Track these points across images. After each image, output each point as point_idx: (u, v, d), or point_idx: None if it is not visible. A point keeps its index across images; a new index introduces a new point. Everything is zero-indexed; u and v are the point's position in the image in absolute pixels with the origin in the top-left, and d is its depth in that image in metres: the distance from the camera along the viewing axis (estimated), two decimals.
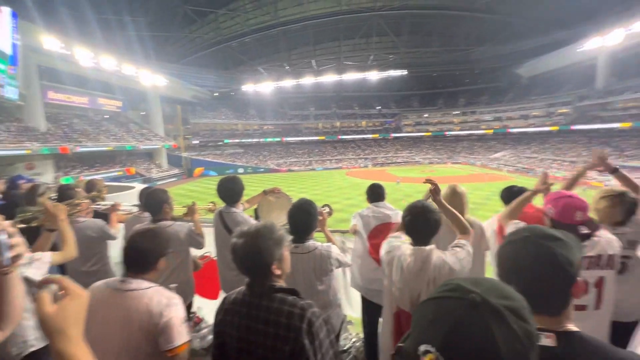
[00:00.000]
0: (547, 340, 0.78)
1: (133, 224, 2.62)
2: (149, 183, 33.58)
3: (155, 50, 38.92)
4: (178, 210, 2.84)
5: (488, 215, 2.52)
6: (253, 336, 1.24)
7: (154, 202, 2.39)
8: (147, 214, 2.67)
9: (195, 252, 2.89)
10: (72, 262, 2.07)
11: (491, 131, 57.21)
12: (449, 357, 0.51)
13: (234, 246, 1.28)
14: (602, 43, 37.26)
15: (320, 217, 2.32)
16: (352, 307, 3.29)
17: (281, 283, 1.32)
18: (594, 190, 2.45)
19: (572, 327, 0.83)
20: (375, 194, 2.98)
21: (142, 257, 1.47)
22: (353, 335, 3.18)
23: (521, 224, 1.99)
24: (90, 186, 3.24)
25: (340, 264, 2.16)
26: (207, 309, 3.27)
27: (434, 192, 2.03)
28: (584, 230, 1.61)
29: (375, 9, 40.64)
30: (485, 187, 26.34)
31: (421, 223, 1.75)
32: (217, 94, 59.20)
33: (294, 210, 2.06)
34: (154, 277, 1.50)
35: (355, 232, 2.95)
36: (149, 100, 43.22)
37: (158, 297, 1.39)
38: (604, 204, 2.04)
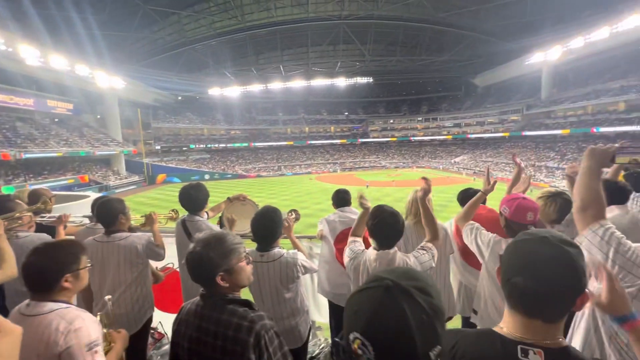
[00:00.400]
0: (535, 357, 0.75)
1: (86, 236, 2.43)
2: (106, 191, 31.42)
3: (112, 51, 36.68)
4: (137, 220, 2.69)
5: (450, 217, 2.66)
6: (202, 349, 1.22)
7: (107, 212, 2.23)
8: (100, 226, 2.51)
9: (157, 264, 2.75)
10: (13, 281, 1.88)
11: (451, 137, 60.64)
12: (372, 338, 0.59)
13: (187, 254, 1.26)
14: (545, 57, 41.11)
15: (286, 224, 2.31)
16: (320, 313, 3.30)
17: (237, 294, 1.29)
18: (538, 190, 2.68)
19: (562, 341, 0.80)
20: (341, 199, 3.02)
21: (39, 276, 1.29)
22: (322, 341, 3.19)
23: (476, 225, 2.13)
24: (33, 196, 2.96)
25: (307, 270, 2.16)
26: (170, 323, 3.11)
27: (425, 192, 2.01)
28: None
29: (342, 17, 41.56)
30: (447, 189, 27.66)
31: (387, 227, 1.78)
32: (181, 98, 57.00)
33: (258, 218, 2.04)
34: (65, 296, 1.33)
35: (322, 237, 2.97)
36: (106, 103, 40.60)
37: (57, 322, 1.21)
38: (541, 203, 2.24)
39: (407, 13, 41.48)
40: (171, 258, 2.79)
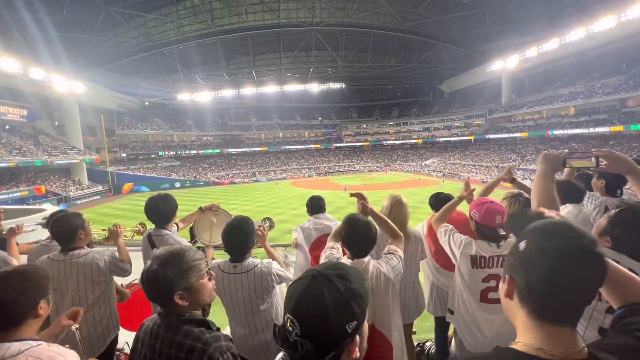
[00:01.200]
0: None
1: (40, 254, 2.24)
2: (66, 203, 29.39)
3: (72, 53, 34.56)
4: (99, 234, 2.53)
5: (422, 218, 2.72)
6: None
7: (63, 229, 2.04)
8: (56, 243, 2.33)
9: (122, 280, 2.58)
10: None
11: (421, 140, 62.89)
12: (298, 316, 0.73)
13: (142, 273, 1.21)
14: (504, 65, 43.92)
15: (259, 233, 2.27)
16: None
17: (196, 312, 1.24)
18: (502, 191, 2.84)
19: (584, 347, 0.73)
20: (315, 205, 3.01)
21: (2, 312, 1.11)
22: None
23: (450, 227, 2.22)
24: None
25: (282, 279, 2.12)
26: None
27: (363, 204, 2.15)
28: (502, 232, 1.85)
29: (313, 24, 42.01)
30: (419, 192, 28.57)
31: (359, 236, 1.77)
32: (148, 103, 54.72)
33: (229, 229, 1.98)
34: (29, 331, 1.16)
35: (296, 245, 2.94)
36: (65, 109, 38.12)
37: None
38: (506, 204, 2.39)
39: (377, 21, 42.75)
40: (139, 274, 2.65)
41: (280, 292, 2.92)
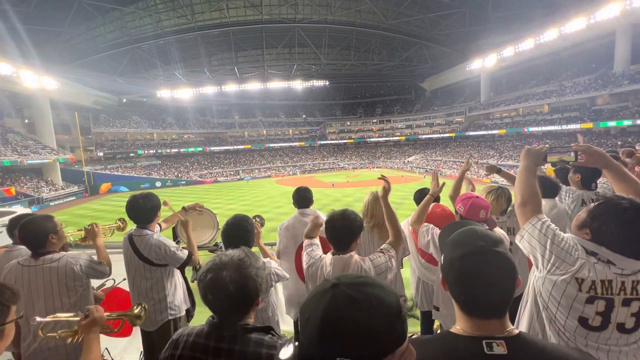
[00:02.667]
0: (499, 349, 0.81)
1: (5, 260, 2.09)
2: (38, 205, 28.09)
3: (42, 48, 32.79)
4: (75, 234, 2.40)
5: (406, 214, 2.74)
6: None
7: (33, 234, 1.91)
8: (21, 247, 2.19)
9: (93, 283, 2.45)
10: None
11: (404, 137, 63.88)
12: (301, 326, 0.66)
13: (213, 282, 1.05)
14: (482, 64, 45.14)
15: (256, 231, 2.21)
16: (284, 321, 3.23)
17: (252, 320, 1.15)
18: (481, 185, 2.91)
19: (513, 329, 0.88)
20: (302, 198, 2.85)
21: None
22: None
23: (430, 226, 2.24)
24: None
25: (279, 278, 2.08)
26: (118, 348, 2.83)
27: (385, 191, 2.06)
28: (486, 227, 1.88)
29: (296, 20, 41.70)
30: (402, 188, 29.02)
31: (336, 230, 1.74)
32: (126, 100, 52.82)
33: (231, 228, 1.91)
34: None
35: (279, 255, 2.81)
36: (35, 106, 36.21)
37: None
38: (491, 197, 2.45)
39: (359, 19, 42.91)
40: (119, 278, 2.54)
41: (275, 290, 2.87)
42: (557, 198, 2.60)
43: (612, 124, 31.17)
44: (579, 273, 1.21)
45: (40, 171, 35.52)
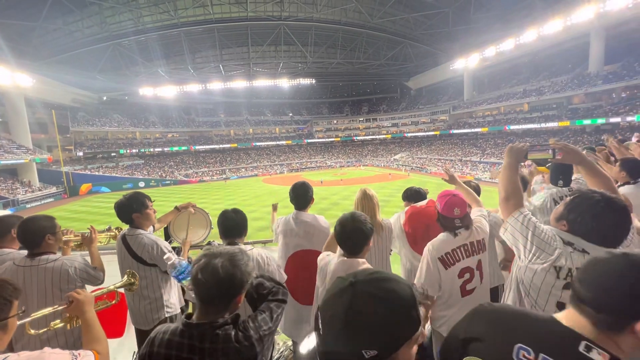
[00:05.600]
0: (598, 357, 0.75)
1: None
2: (13, 207, 26.96)
3: (15, 42, 31.39)
4: (73, 238, 2.35)
5: (393, 211, 2.80)
6: None
7: (31, 233, 1.90)
8: (8, 250, 2.14)
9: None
10: None
11: (390, 136, 64.65)
12: (323, 323, 0.70)
13: (207, 264, 1.11)
14: (465, 64, 46.16)
15: None
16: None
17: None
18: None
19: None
20: (296, 196, 2.59)
21: None
22: (281, 345, 3.16)
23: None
24: None
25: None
26: (110, 349, 2.80)
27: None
28: (458, 223, 1.99)
29: (282, 18, 41.45)
30: (389, 185, 29.45)
31: (348, 231, 1.72)
32: (106, 98, 51.15)
33: (229, 217, 2.05)
34: None
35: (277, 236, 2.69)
36: (9, 104, 34.64)
37: None
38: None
39: (345, 17, 43.08)
40: (112, 278, 2.51)
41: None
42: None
43: (587, 122, 32.56)
44: (557, 262, 1.32)
45: (15, 172, 34.07)
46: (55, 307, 1.49)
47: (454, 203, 2.00)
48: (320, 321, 0.71)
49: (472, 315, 0.95)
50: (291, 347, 2.93)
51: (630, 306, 0.78)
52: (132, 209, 2.28)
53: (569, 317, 0.86)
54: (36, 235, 1.89)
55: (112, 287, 1.79)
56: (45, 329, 1.52)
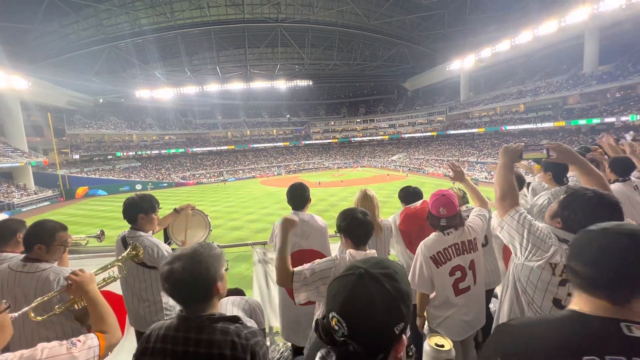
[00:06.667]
0: (639, 332, 0.77)
1: None
2: (9, 211, 26.75)
3: (11, 45, 31.22)
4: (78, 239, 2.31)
5: (392, 212, 2.82)
6: None
7: (25, 236, 1.87)
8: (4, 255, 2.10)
9: None
10: None
11: (387, 137, 64.83)
12: (346, 316, 0.71)
13: (169, 273, 1.12)
14: (462, 65, 46.44)
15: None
16: (277, 317, 3.27)
17: (217, 310, 1.21)
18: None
19: None
20: (293, 197, 2.57)
21: None
22: (281, 346, 3.17)
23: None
24: None
25: None
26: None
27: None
28: (443, 222, 2.02)
29: (279, 20, 41.53)
30: (387, 186, 29.50)
31: (358, 221, 1.73)
32: (102, 101, 50.94)
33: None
34: None
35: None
36: (4, 107, 34.36)
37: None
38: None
39: (342, 19, 43.22)
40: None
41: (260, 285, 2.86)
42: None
43: (582, 122, 32.82)
44: (553, 259, 1.35)
45: (10, 175, 33.80)
46: (56, 291, 1.49)
47: (441, 203, 2.04)
48: (344, 319, 0.72)
49: (500, 334, 0.93)
50: (291, 348, 2.94)
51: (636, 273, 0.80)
52: (141, 209, 2.28)
53: (586, 305, 0.85)
54: (26, 241, 1.85)
55: (115, 261, 1.78)
56: (51, 313, 1.51)
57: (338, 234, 1.83)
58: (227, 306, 1.77)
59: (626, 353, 0.75)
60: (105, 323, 1.33)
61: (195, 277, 1.12)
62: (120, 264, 1.79)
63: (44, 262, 1.87)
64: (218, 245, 2.61)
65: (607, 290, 0.82)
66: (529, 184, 3.16)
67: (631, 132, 4.80)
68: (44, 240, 1.87)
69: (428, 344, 1.53)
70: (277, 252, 1.74)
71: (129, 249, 1.83)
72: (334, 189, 32.28)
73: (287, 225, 1.78)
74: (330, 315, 0.73)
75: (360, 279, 0.74)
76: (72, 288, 1.40)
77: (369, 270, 0.75)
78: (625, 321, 0.79)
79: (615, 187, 2.52)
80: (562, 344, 0.79)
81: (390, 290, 0.72)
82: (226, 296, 2.03)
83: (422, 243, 2.10)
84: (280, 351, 3.05)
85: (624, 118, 28.92)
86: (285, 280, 1.67)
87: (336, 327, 0.71)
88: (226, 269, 1.25)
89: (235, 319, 1.17)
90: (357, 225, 1.72)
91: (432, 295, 2.13)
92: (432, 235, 2.10)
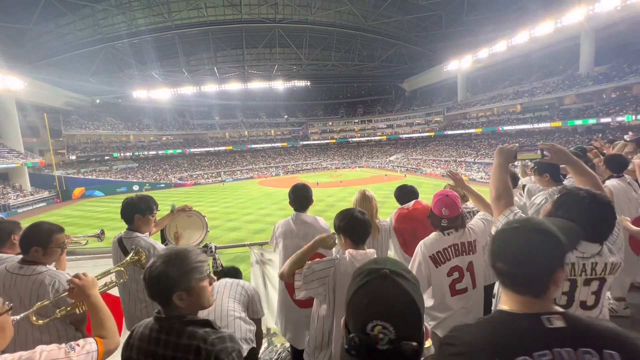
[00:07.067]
0: (558, 322, 0.82)
1: None
2: (4, 212, 26.58)
3: (6, 45, 31.03)
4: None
5: (390, 212, 2.84)
6: None
7: (21, 237, 1.86)
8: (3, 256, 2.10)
9: None
10: None
11: (385, 137, 64.93)
12: (390, 319, 0.69)
13: (145, 270, 1.16)
14: (459, 65, 46.62)
15: None
16: (274, 318, 3.27)
17: (195, 314, 1.20)
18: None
19: (558, 308, 0.88)
20: (297, 197, 2.55)
21: None
22: (278, 347, 3.17)
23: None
24: None
25: None
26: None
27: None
28: (444, 223, 2.03)
29: (276, 20, 41.53)
30: (385, 186, 29.55)
31: (357, 221, 1.74)
32: (99, 101, 50.70)
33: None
34: None
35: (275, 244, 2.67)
36: (0, 108, 34.13)
37: None
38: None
39: (339, 20, 43.29)
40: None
41: (257, 285, 2.83)
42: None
43: (579, 122, 33.02)
44: None
45: (6, 176, 33.58)
46: (59, 295, 1.50)
47: (444, 203, 2.05)
48: (351, 310, 0.74)
49: (443, 347, 0.95)
50: (288, 349, 2.94)
51: (551, 261, 0.85)
52: (138, 210, 2.27)
53: (513, 303, 0.90)
54: (22, 243, 1.84)
55: (118, 266, 1.77)
56: (52, 317, 1.50)
57: (336, 235, 1.84)
58: (224, 299, 1.81)
59: (549, 346, 0.77)
60: (105, 328, 1.33)
61: (156, 281, 1.13)
62: (122, 268, 1.78)
63: (40, 264, 1.86)
64: (215, 246, 2.62)
65: (529, 286, 0.87)
66: (524, 185, 3.20)
67: (630, 133, 4.85)
68: (41, 242, 1.86)
69: None
70: (298, 255, 1.80)
71: (131, 254, 1.80)
72: (332, 189, 32.28)
73: (323, 244, 1.86)
74: (370, 326, 0.69)
75: (386, 279, 0.74)
76: (74, 292, 1.39)
77: (391, 269, 0.76)
78: (545, 314, 0.84)
79: (612, 183, 2.68)
80: (491, 346, 0.81)
81: (413, 281, 0.76)
82: (223, 277, 2.06)
83: (422, 242, 2.11)
84: (278, 352, 3.05)
85: (619, 118, 29.14)
86: (289, 278, 1.78)
87: (381, 335, 0.68)
88: (210, 283, 1.24)
89: (205, 323, 1.16)
90: (355, 224, 1.73)
91: (428, 296, 2.15)
92: (432, 234, 2.11)
